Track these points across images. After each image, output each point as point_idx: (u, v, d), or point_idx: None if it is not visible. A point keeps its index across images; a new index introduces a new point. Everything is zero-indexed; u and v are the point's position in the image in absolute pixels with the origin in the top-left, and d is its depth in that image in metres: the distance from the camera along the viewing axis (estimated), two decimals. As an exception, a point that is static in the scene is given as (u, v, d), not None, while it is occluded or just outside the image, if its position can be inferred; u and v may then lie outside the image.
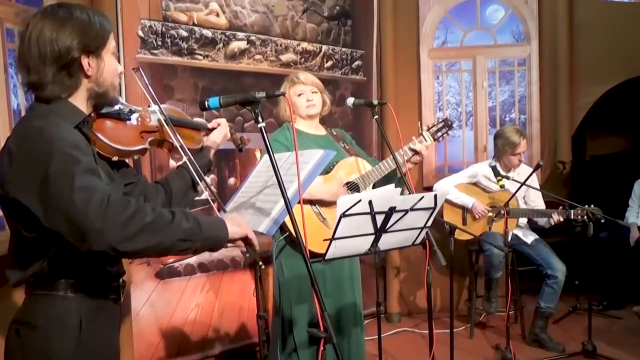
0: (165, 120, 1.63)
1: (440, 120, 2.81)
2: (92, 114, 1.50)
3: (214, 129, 1.89)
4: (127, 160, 1.69)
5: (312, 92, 2.70)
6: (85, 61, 1.41)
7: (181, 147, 1.63)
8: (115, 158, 1.52)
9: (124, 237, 1.26)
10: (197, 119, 1.88)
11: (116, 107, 1.55)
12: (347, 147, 2.77)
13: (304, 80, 2.71)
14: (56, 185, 1.27)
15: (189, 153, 1.67)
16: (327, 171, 2.62)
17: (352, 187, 2.65)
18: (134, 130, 1.58)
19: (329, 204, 2.55)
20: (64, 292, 1.40)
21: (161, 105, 1.66)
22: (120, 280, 1.54)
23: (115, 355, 1.56)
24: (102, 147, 1.49)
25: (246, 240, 1.49)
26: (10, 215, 1.39)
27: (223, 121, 1.91)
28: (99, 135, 1.48)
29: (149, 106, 1.67)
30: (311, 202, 2.55)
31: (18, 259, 1.42)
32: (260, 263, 1.61)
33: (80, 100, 1.45)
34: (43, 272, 1.39)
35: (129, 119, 1.57)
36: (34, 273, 1.39)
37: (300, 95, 2.69)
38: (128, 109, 1.57)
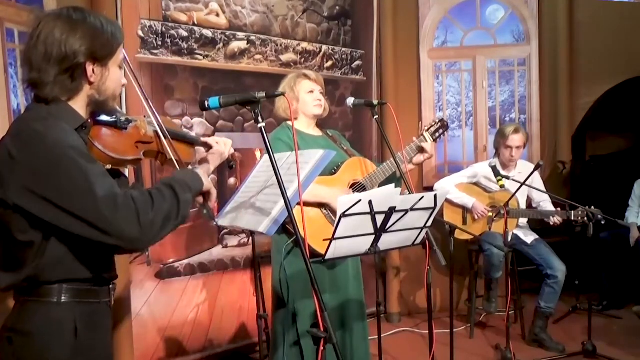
0: (161, 132, 1.61)
1: (436, 121, 2.83)
2: (90, 121, 1.49)
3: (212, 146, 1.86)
4: (125, 171, 1.68)
5: (320, 93, 2.69)
6: (90, 67, 1.40)
7: (177, 161, 1.61)
8: (108, 166, 1.50)
9: (155, 235, 1.35)
10: (192, 134, 1.85)
11: (114, 116, 1.54)
12: (345, 148, 2.76)
13: (316, 79, 2.69)
14: (77, 194, 1.28)
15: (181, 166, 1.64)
16: (331, 172, 2.61)
17: (359, 187, 2.64)
18: (129, 140, 1.56)
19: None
20: (57, 297, 1.37)
21: (159, 118, 1.64)
22: (111, 284, 1.53)
23: (110, 359, 1.55)
24: (97, 155, 1.47)
25: (208, 194, 1.58)
26: (3, 219, 1.36)
27: (225, 141, 1.87)
28: (95, 143, 1.47)
29: (146, 117, 1.66)
30: (320, 205, 2.53)
31: (7, 262, 1.39)
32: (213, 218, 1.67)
33: (79, 105, 1.44)
34: (36, 276, 1.36)
35: (126, 128, 1.55)
36: (26, 277, 1.36)
37: (310, 92, 2.66)
38: (125, 118, 1.56)
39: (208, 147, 1.81)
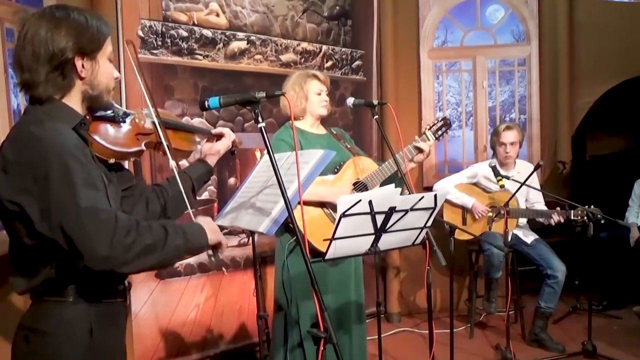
0: (157, 123, 1.62)
1: (439, 119, 2.85)
2: (88, 117, 1.49)
3: (219, 136, 1.88)
4: (125, 164, 1.69)
5: (326, 94, 2.72)
6: (79, 63, 1.40)
7: (168, 149, 1.62)
8: (112, 160, 1.53)
9: (126, 261, 1.30)
10: (199, 126, 1.88)
11: (111, 110, 1.55)
12: (348, 146, 2.77)
13: (324, 80, 2.72)
14: (59, 200, 1.27)
15: (172, 155, 1.65)
16: (334, 171, 2.62)
17: (361, 186, 2.65)
18: (129, 133, 1.58)
19: None
20: (73, 298, 1.39)
21: (157, 109, 1.66)
22: (126, 283, 1.54)
23: (124, 359, 1.56)
24: (99, 149, 1.49)
25: (219, 245, 1.52)
26: (9, 223, 1.38)
27: (228, 132, 1.91)
28: (96, 138, 1.48)
29: (143, 109, 1.68)
30: (321, 204, 2.54)
31: (22, 266, 1.40)
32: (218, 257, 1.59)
33: (75, 102, 1.44)
34: (51, 280, 1.37)
35: (124, 122, 1.57)
36: (42, 282, 1.38)
37: (319, 93, 2.69)
38: (122, 111, 1.58)
39: (213, 136, 1.85)
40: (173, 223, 1.43)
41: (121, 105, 1.79)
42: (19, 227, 1.35)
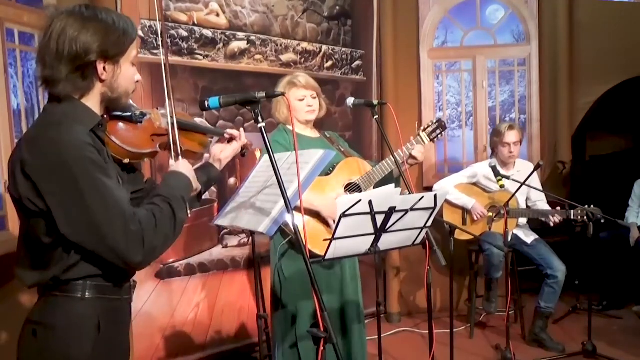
0: (172, 124, 1.63)
1: (434, 121, 2.83)
2: (105, 116, 1.51)
3: (231, 138, 1.88)
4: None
5: (312, 97, 2.69)
6: (100, 66, 1.41)
7: (177, 152, 1.63)
8: (126, 160, 1.54)
9: (155, 256, 1.40)
10: (211, 126, 1.89)
11: (128, 110, 1.56)
12: (342, 150, 2.77)
13: (305, 84, 2.67)
14: (89, 211, 1.30)
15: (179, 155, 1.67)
16: (326, 173, 2.61)
17: (354, 188, 2.64)
18: (145, 133, 1.60)
19: None
20: (81, 293, 1.40)
21: (171, 110, 1.67)
22: (132, 281, 1.56)
23: (128, 356, 1.57)
24: (115, 150, 1.51)
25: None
26: (26, 219, 1.40)
27: (241, 135, 1.90)
28: (112, 138, 1.50)
29: (158, 108, 1.69)
30: (312, 211, 2.53)
31: (35, 260, 1.41)
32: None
33: (93, 103, 1.45)
34: (61, 275, 1.39)
35: (141, 122, 1.59)
36: (53, 277, 1.39)
37: (301, 100, 2.67)
38: (139, 111, 1.59)
39: (225, 138, 1.86)
40: (174, 193, 1.47)
41: None
42: (37, 225, 1.36)
